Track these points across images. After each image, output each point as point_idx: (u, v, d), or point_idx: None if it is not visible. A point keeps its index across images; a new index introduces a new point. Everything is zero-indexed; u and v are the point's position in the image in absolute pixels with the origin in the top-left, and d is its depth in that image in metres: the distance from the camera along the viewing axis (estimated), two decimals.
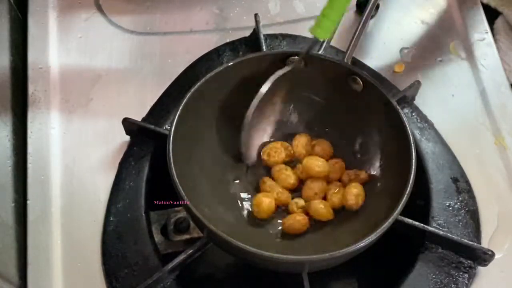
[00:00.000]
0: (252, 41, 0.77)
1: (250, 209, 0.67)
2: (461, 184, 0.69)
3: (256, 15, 0.77)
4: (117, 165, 0.69)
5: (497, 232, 0.67)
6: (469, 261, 0.64)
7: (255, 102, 0.64)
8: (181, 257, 0.61)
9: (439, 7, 0.83)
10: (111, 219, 0.66)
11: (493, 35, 0.82)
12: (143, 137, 0.70)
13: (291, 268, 0.61)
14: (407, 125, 0.62)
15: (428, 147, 0.71)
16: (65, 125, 0.72)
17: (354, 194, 0.64)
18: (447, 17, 0.82)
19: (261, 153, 0.68)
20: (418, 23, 0.82)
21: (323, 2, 0.82)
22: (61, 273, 0.64)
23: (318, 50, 0.68)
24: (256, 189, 0.68)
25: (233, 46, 0.78)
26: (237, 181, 0.68)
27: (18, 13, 0.78)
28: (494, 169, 0.71)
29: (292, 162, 0.68)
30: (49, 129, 0.72)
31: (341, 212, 0.65)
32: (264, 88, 0.64)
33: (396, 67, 0.77)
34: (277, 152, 0.68)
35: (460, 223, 0.66)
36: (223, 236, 0.56)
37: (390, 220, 0.57)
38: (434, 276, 0.63)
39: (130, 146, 0.71)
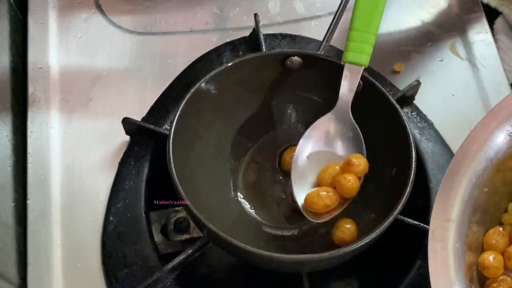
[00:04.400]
0: (252, 41, 0.78)
1: (250, 209, 0.67)
2: None
3: (256, 15, 0.77)
4: (117, 165, 0.69)
5: None
6: None
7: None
8: (181, 257, 0.61)
9: (439, 7, 0.83)
10: (111, 219, 0.66)
11: (493, 35, 0.82)
12: (143, 137, 0.70)
13: (290, 268, 0.61)
14: (407, 125, 0.62)
15: (428, 146, 0.71)
16: (65, 125, 0.72)
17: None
18: (447, 17, 0.82)
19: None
20: (418, 23, 0.82)
21: (323, 2, 0.83)
22: (61, 273, 0.64)
23: (318, 50, 0.68)
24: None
25: (233, 46, 0.78)
26: (237, 181, 0.68)
27: (18, 13, 0.78)
28: None
29: None
30: (49, 129, 0.72)
31: (342, 213, 0.65)
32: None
33: (395, 66, 0.77)
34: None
35: None
36: (223, 236, 0.56)
37: (390, 220, 0.57)
38: None
39: (130, 146, 0.71)
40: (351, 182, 0.62)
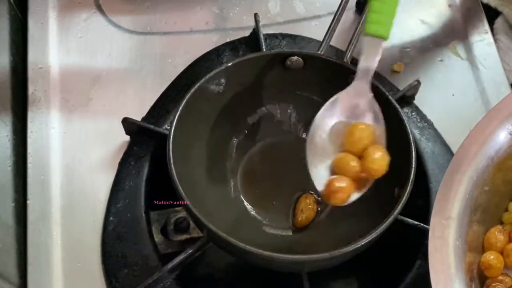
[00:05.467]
0: (252, 41, 0.78)
1: (250, 209, 0.67)
2: None
3: (256, 14, 0.77)
4: (117, 165, 0.69)
5: None
6: None
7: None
8: (181, 256, 0.61)
9: (439, 7, 0.83)
10: (111, 219, 0.66)
11: (493, 35, 0.82)
12: (143, 137, 0.70)
13: (291, 267, 0.61)
14: (407, 125, 0.62)
15: (428, 146, 0.71)
16: (65, 125, 0.72)
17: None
18: (447, 17, 0.82)
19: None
20: (418, 23, 0.82)
21: (323, 2, 0.83)
22: (61, 273, 0.64)
23: (318, 50, 0.68)
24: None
25: (233, 46, 0.78)
26: (237, 181, 0.68)
27: (18, 13, 0.78)
28: None
29: None
30: (49, 129, 0.72)
31: (341, 212, 0.65)
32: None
33: (395, 67, 0.77)
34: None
35: None
36: (223, 236, 0.56)
37: (390, 220, 0.57)
38: None
39: (130, 146, 0.71)
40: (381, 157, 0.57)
